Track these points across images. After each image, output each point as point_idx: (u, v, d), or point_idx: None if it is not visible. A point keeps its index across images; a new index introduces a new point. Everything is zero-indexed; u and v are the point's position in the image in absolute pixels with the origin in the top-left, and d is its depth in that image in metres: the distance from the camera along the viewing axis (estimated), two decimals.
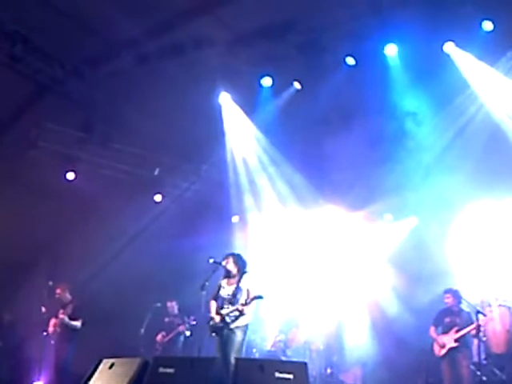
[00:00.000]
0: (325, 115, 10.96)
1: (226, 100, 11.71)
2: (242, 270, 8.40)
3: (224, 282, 8.42)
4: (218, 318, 8.16)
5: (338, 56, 10.00)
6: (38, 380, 9.99)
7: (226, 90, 11.35)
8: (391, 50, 10.10)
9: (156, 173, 12.16)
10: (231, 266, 8.39)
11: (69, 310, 10.10)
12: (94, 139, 11.45)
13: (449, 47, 10.02)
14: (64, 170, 11.54)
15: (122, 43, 10.30)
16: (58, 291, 10.27)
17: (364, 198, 11.52)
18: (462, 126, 10.75)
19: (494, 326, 9.81)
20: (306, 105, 10.80)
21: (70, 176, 11.54)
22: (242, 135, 12.29)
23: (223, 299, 8.31)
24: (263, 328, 11.51)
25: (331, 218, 12.46)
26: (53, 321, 10.15)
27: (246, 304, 8.09)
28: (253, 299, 8.12)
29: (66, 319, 9.99)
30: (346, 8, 9.05)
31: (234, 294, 8.22)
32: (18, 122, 11.47)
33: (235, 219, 13.16)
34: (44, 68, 10.55)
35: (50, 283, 10.19)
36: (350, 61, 10.07)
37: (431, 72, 10.15)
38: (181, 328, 11.35)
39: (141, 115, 11.23)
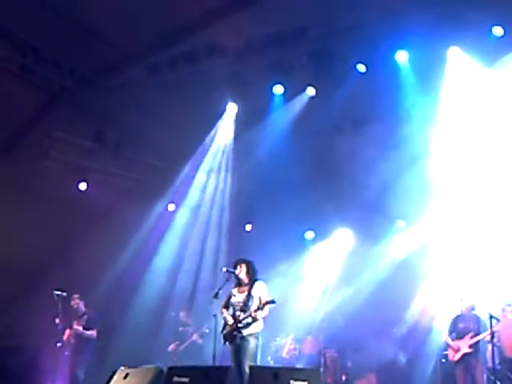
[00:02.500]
0: (336, 122, 10.94)
1: (232, 110, 11.78)
2: (253, 279, 8.39)
3: (235, 290, 8.42)
4: (230, 326, 8.17)
5: (349, 63, 10.00)
6: None
7: (238, 98, 11.38)
8: (402, 57, 10.14)
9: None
10: (243, 275, 8.39)
11: (83, 320, 10.12)
12: (105, 149, 11.49)
13: (453, 52, 10.10)
14: (76, 179, 11.58)
15: (133, 52, 10.37)
16: (74, 302, 10.30)
17: (377, 205, 11.48)
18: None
19: (508, 331, 9.77)
20: (317, 112, 10.82)
21: (83, 186, 11.59)
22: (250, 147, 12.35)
23: (234, 307, 8.30)
24: (278, 336, 11.50)
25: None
26: (67, 331, 10.19)
27: (258, 309, 8.09)
28: (265, 304, 8.10)
29: (81, 330, 10.02)
30: (356, 15, 9.06)
31: (246, 302, 8.20)
32: (30, 132, 11.56)
33: (248, 227, 13.18)
34: (55, 78, 10.58)
35: (64, 294, 10.20)
36: (361, 68, 10.08)
37: (441, 76, 10.22)
38: (194, 337, 11.38)
39: (152, 124, 11.27)
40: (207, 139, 11.97)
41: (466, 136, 10.77)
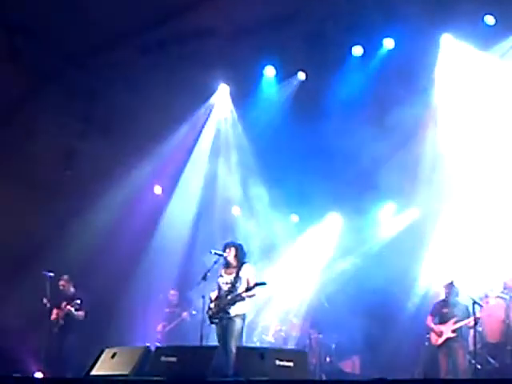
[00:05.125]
0: (329, 105, 10.97)
1: (224, 92, 11.80)
2: (241, 261, 8.49)
3: (223, 271, 8.52)
4: (215, 307, 8.26)
5: (342, 47, 10.06)
6: (40, 371, 10.03)
7: (228, 81, 11.39)
8: (389, 43, 10.26)
9: None
10: (232, 258, 8.48)
11: (75, 302, 10.12)
12: (94, 130, 11.44)
13: (446, 39, 10.21)
14: (64, 161, 11.53)
15: (123, 33, 10.31)
16: (62, 283, 10.30)
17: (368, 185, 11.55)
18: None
19: (490, 316, 9.94)
20: (308, 94, 10.86)
21: (71, 167, 11.56)
22: (239, 129, 12.40)
23: (221, 288, 8.40)
24: (264, 318, 11.59)
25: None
26: (55, 310, 10.20)
27: (248, 290, 8.20)
28: (255, 285, 8.21)
29: (72, 310, 10.05)
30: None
31: (233, 283, 8.30)
32: (18, 114, 11.46)
33: (236, 211, 13.20)
34: (44, 59, 10.52)
35: (52, 275, 10.21)
36: (354, 51, 10.19)
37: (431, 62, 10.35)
38: (184, 315, 11.46)
39: (142, 106, 11.21)
40: (196, 121, 11.99)
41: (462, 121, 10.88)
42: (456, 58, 10.52)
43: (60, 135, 11.33)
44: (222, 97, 12.02)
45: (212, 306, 8.34)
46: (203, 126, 12.31)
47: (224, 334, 8.16)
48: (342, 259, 12.03)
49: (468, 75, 10.67)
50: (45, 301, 10.15)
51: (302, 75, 11.10)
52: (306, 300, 11.96)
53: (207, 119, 12.30)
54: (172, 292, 11.88)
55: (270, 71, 11.01)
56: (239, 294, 8.19)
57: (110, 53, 10.75)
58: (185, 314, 11.44)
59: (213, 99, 11.93)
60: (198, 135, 12.31)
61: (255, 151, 12.10)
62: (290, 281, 12.12)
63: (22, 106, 11.50)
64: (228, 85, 11.69)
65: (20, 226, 11.35)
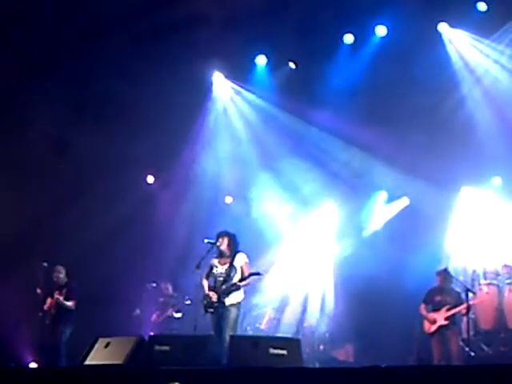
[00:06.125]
0: (320, 93, 10.96)
1: (218, 79, 11.78)
2: (234, 250, 8.48)
3: (216, 262, 8.50)
4: (213, 296, 8.25)
5: (333, 34, 10.05)
6: (34, 361, 10.04)
7: (220, 69, 11.37)
8: (381, 31, 10.27)
9: None
10: (225, 247, 8.47)
11: (65, 291, 10.13)
12: (86, 118, 11.40)
13: (442, 27, 10.22)
14: (56, 149, 11.49)
15: (115, 21, 10.26)
16: (55, 273, 10.30)
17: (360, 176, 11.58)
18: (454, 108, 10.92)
19: (483, 304, 10.00)
20: (300, 83, 10.86)
21: (63, 156, 11.52)
22: (236, 113, 12.39)
23: (216, 278, 8.39)
24: (257, 306, 11.63)
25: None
26: (49, 300, 10.20)
27: (242, 279, 8.22)
28: (250, 275, 8.24)
29: (61, 300, 10.04)
30: None
31: (228, 273, 8.30)
32: (9, 102, 11.40)
33: (229, 200, 13.20)
34: (35, 46, 10.46)
35: (45, 264, 10.20)
36: (346, 39, 10.20)
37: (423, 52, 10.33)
38: (169, 311, 11.47)
39: (135, 94, 11.17)
40: (190, 109, 11.98)
41: None
42: (452, 45, 10.58)
43: (52, 123, 11.29)
44: (218, 84, 12.04)
45: (207, 294, 8.32)
46: (197, 114, 12.29)
47: (219, 324, 8.18)
48: (335, 246, 12.12)
49: (464, 60, 10.74)
50: (38, 291, 10.15)
51: (292, 65, 11.13)
52: (301, 289, 12.02)
53: (203, 107, 12.29)
54: (164, 284, 11.87)
55: (261, 60, 11.00)
56: (234, 284, 8.22)
57: (101, 40, 10.69)
58: (170, 310, 11.45)
59: (207, 86, 11.97)
60: (192, 123, 12.30)
61: (247, 139, 12.11)
62: (286, 269, 12.18)
63: (14, 95, 11.43)
64: (221, 73, 11.70)
65: (14, 216, 11.32)
